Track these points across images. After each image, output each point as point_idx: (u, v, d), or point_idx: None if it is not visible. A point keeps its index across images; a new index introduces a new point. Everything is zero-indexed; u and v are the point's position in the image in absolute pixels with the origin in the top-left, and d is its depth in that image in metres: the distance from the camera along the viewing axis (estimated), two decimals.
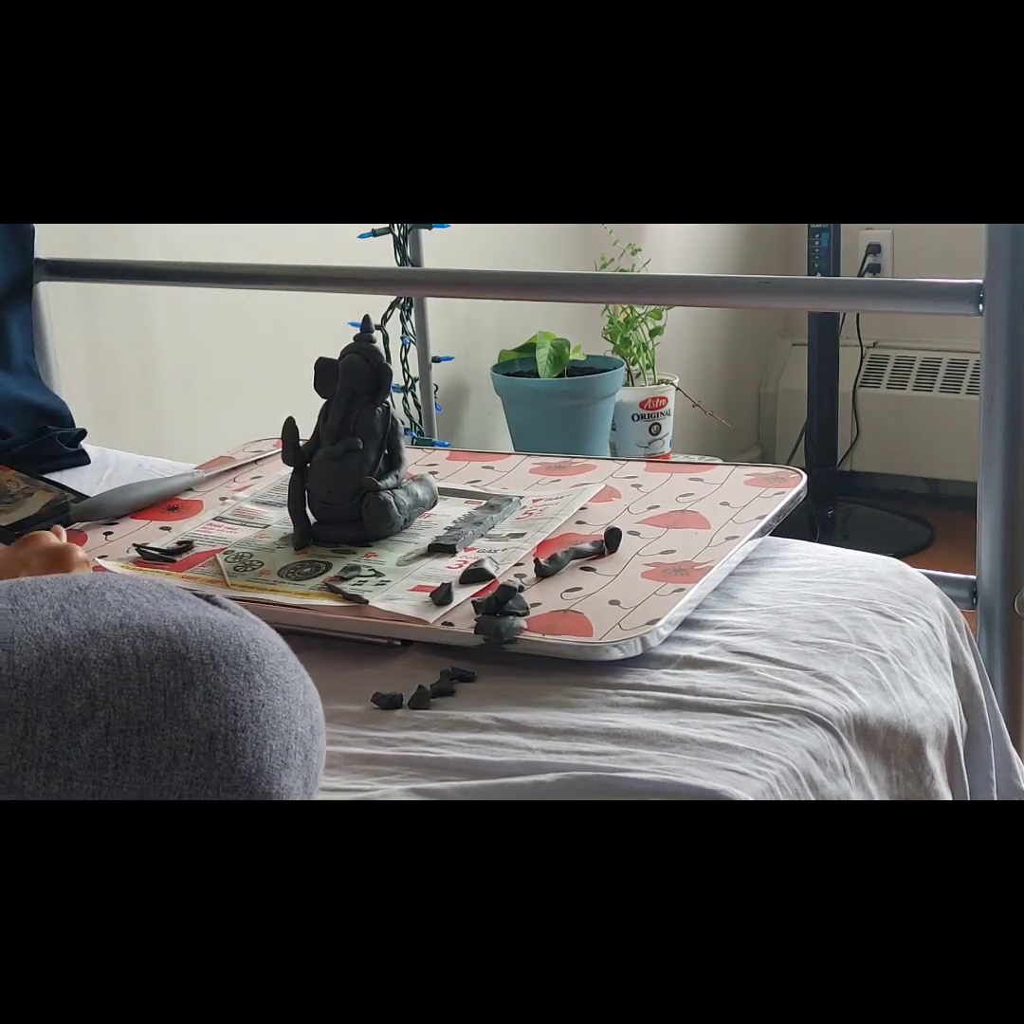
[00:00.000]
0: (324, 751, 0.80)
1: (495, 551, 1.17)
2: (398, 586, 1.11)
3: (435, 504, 1.26)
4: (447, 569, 1.14)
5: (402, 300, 2.36)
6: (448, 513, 1.25)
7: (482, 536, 1.21)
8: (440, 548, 1.17)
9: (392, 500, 1.20)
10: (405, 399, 2.42)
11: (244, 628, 0.77)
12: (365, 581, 1.12)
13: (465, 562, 1.15)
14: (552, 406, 2.66)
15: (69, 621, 0.73)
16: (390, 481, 1.21)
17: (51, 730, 0.70)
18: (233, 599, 1.09)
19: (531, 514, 1.25)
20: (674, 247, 3.10)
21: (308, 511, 1.22)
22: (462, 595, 1.09)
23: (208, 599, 0.80)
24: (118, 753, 0.70)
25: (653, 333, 2.87)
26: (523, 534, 1.20)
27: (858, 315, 3.34)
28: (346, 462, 1.20)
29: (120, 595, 0.76)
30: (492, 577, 1.12)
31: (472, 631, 1.04)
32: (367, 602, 1.08)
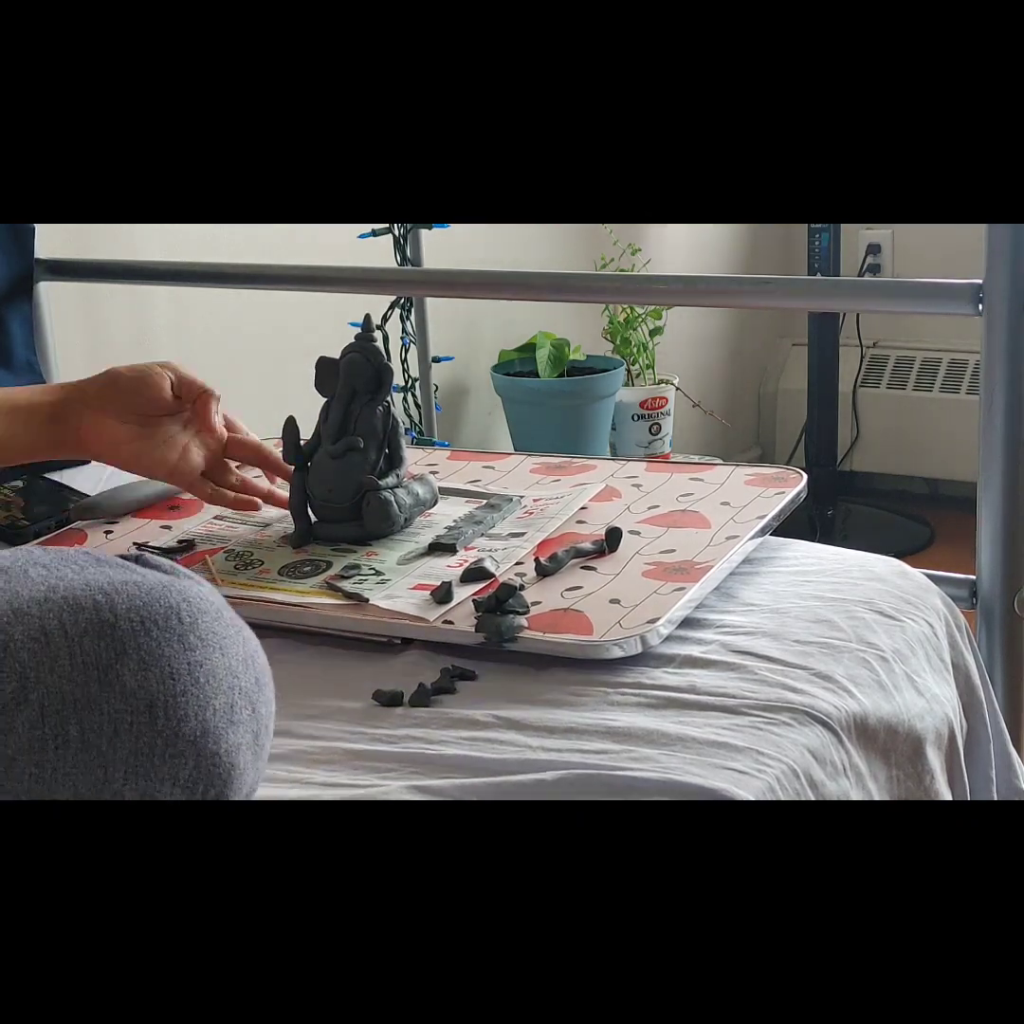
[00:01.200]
0: (273, 701, 0.79)
1: (495, 550, 1.17)
2: (398, 585, 1.11)
3: (436, 503, 1.26)
4: (447, 568, 1.14)
5: (402, 300, 2.36)
6: (448, 512, 1.26)
7: (482, 535, 1.21)
8: (441, 547, 1.18)
9: (393, 499, 1.20)
10: (405, 399, 2.42)
11: (173, 587, 0.74)
12: (365, 580, 1.12)
13: (465, 561, 1.15)
14: (552, 406, 2.66)
15: None
16: (390, 480, 1.21)
17: None
18: (232, 599, 1.10)
19: (532, 513, 1.25)
20: (674, 247, 3.10)
21: (308, 510, 1.23)
22: (462, 594, 1.09)
23: (136, 560, 0.79)
24: (56, 733, 0.69)
25: (653, 333, 2.87)
26: (523, 533, 1.20)
27: (858, 315, 3.34)
28: (346, 461, 1.20)
29: (44, 570, 0.74)
30: (492, 576, 1.12)
31: (473, 629, 1.04)
32: (368, 600, 1.08)
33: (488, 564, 1.13)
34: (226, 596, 1.10)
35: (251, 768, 0.75)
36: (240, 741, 0.74)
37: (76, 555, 0.76)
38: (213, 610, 0.76)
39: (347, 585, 1.11)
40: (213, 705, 0.73)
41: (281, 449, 1.24)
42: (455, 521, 1.23)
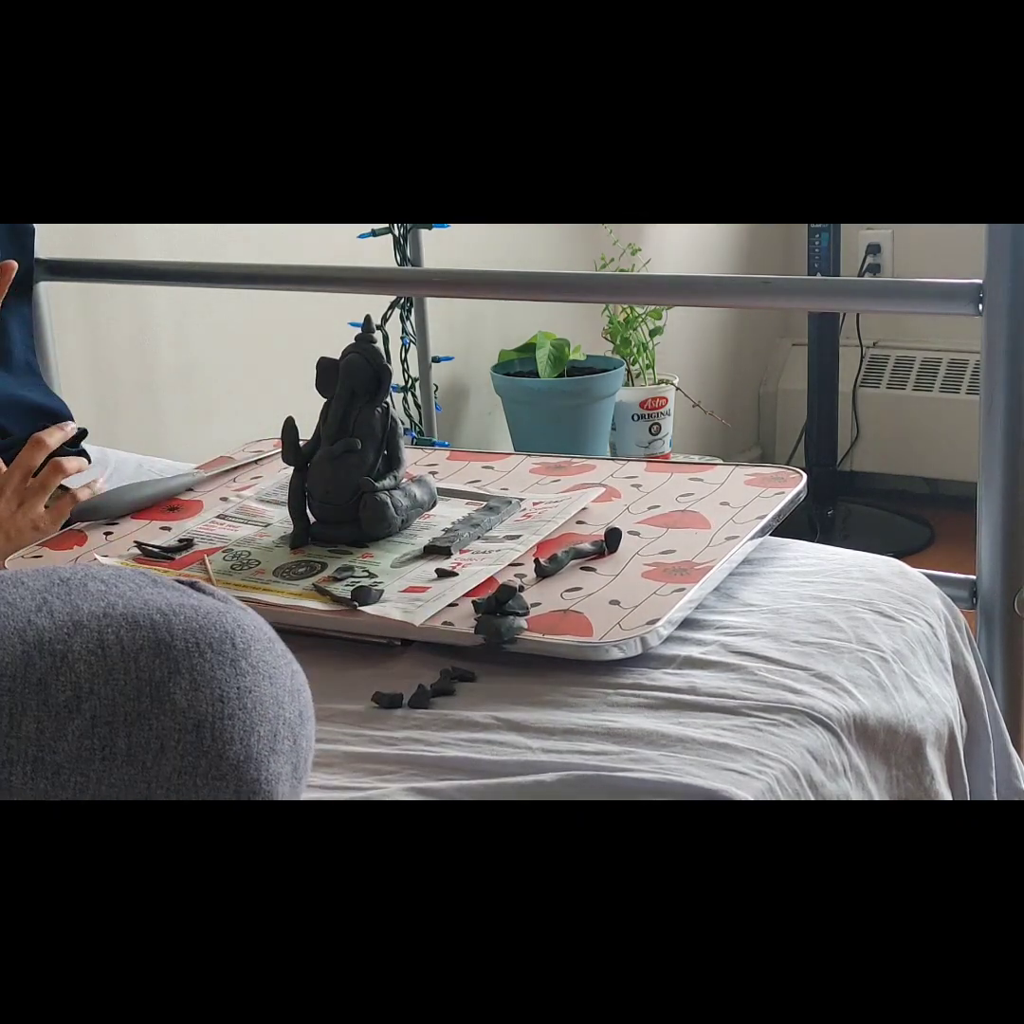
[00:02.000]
0: (313, 735, 0.80)
1: (490, 552, 1.17)
2: (390, 588, 1.11)
3: (434, 505, 1.26)
4: (436, 571, 1.14)
5: (402, 300, 2.36)
6: (447, 514, 1.25)
7: (479, 538, 1.21)
8: (436, 550, 1.17)
9: (389, 501, 1.20)
10: (405, 399, 2.42)
11: (229, 614, 0.76)
12: (357, 583, 1.12)
13: (458, 564, 1.15)
14: (552, 406, 2.66)
15: (52, 613, 0.73)
16: (388, 482, 1.21)
17: (37, 724, 0.70)
18: None
19: (530, 516, 1.25)
20: (674, 247, 3.10)
21: (307, 511, 1.23)
22: (443, 588, 1.10)
23: (192, 586, 0.80)
24: (105, 744, 0.70)
25: (653, 333, 2.87)
26: (519, 536, 1.20)
27: (858, 315, 3.34)
28: (344, 462, 1.20)
29: (103, 585, 0.75)
30: (449, 552, 1.15)
31: (472, 631, 1.04)
32: (355, 606, 1.08)
33: (452, 546, 1.16)
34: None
35: (288, 799, 0.76)
36: (280, 771, 0.75)
37: (133, 574, 0.78)
38: (265, 639, 0.77)
39: (337, 588, 1.11)
40: (258, 732, 0.74)
41: (281, 450, 1.24)
42: (453, 523, 1.23)
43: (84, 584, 0.75)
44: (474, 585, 1.11)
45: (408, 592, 1.11)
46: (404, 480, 1.23)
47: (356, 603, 1.08)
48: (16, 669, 0.70)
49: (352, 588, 1.10)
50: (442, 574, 1.13)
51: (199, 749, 0.71)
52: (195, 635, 0.73)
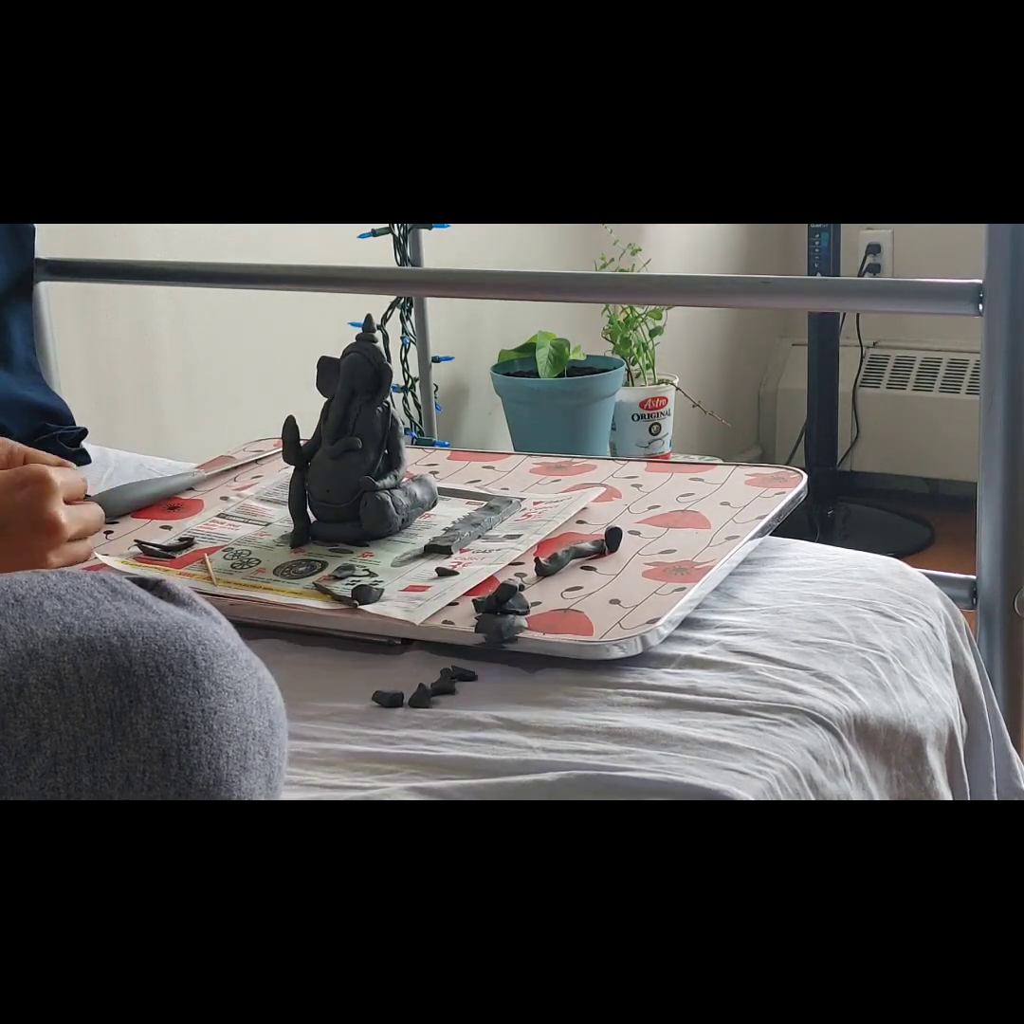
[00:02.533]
0: (286, 741, 0.78)
1: (490, 551, 1.17)
2: (390, 587, 1.11)
3: (434, 505, 1.26)
4: (437, 570, 1.14)
5: (402, 300, 2.36)
6: (448, 514, 1.25)
7: (479, 537, 1.21)
8: (436, 549, 1.18)
9: (389, 500, 1.20)
10: (405, 399, 2.42)
11: (188, 630, 0.73)
12: (357, 582, 1.12)
13: (459, 563, 1.15)
14: (552, 406, 2.66)
15: (6, 642, 0.69)
16: (389, 481, 1.21)
17: None
18: (225, 598, 1.10)
19: (530, 516, 1.25)
20: (674, 247, 3.10)
21: (307, 509, 1.23)
22: (445, 586, 1.10)
23: (156, 585, 0.77)
24: (68, 782, 0.67)
25: (653, 333, 2.87)
26: (519, 535, 1.20)
27: (858, 315, 3.34)
28: (345, 461, 1.20)
29: (59, 603, 0.72)
30: (449, 551, 1.15)
31: (472, 630, 1.04)
32: (356, 605, 1.08)
33: (452, 545, 1.16)
34: (221, 595, 1.10)
35: None
36: (253, 787, 0.73)
37: (92, 585, 0.75)
38: (228, 652, 0.74)
39: (337, 586, 1.11)
40: (226, 753, 0.71)
41: (281, 449, 1.25)
42: (453, 523, 1.23)
43: (40, 603, 0.72)
44: (475, 584, 1.11)
45: (408, 591, 1.11)
46: (405, 479, 1.23)
47: (357, 602, 1.08)
48: None
49: (352, 587, 1.10)
50: (442, 573, 1.13)
51: (166, 779, 0.69)
52: (154, 658, 0.70)
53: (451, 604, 1.08)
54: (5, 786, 0.67)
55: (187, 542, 1.23)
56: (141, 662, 0.70)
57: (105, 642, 0.70)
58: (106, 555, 1.21)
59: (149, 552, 1.21)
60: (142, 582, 0.77)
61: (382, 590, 1.10)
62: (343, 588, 1.11)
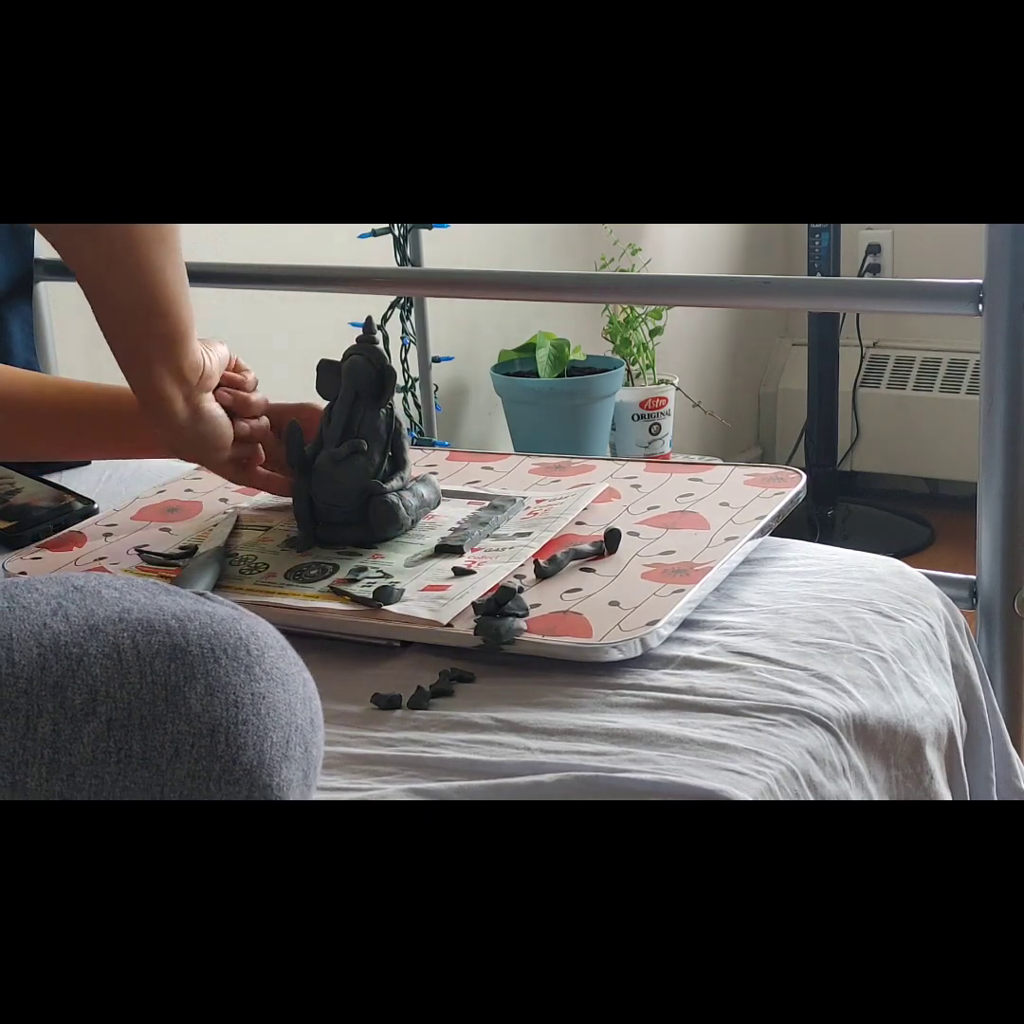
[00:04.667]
0: (323, 744, 0.80)
1: (503, 549, 1.17)
2: (409, 587, 1.11)
3: (439, 504, 1.26)
4: (453, 570, 1.14)
5: (402, 300, 2.36)
6: (451, 514, 1.25)
7: (488, 536, 1.21)
8: (447, 549, 1.17)
9: (400, 502, 1.20)
10: (405, 399, 2.42)
11: (242, 621, 0.77)
12: (374, 583, 1.12)
13: (473, 562, 1.15)
14: (552, 406, 2.66)
15: (68, 617, 0.73)
16: (395, 483, 1.21)
17: (53, 726, 0.70)
18: (239, 603, 1.10)
19: (535, 514, 1.25)
20: (674, 247, 3.10)
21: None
22: (461, 588, 1.10)
23: (201, 596, 0.81)
24: (120, 747, 0.71)
25: (653, 333, 2.87)
26: (529, 533, 1.20)
27: (858, 315, 3.34)
28: (351, 464, 1.20)
29: (117, 592, 0.76)
30: (461, 550, 1.16)
31: (471, 632, 1.04)
32: (381, 605, 1.08)
33: (467, 544, 1.16)
34: (234, 601, 1.10)
35: None
36: (292, 777, 0.75)
37: (145, 583, 0.79)
38: (278, 646, 0.78)
39: (355, 589, 1.11)
40: (271, 738, 0.74)
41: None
42: (459, 522, 1.23)
43: (98, 591, 0.76)
44: (495, 582, 1.10)
45: (428, 590, 1.11)
46: (409, 480, 1.23)
47: (379, 603, 1.08)
48: (32, 672, 0.70)
49: (372, 588, 1.10)
50: (459, 572, 1.13)
51: (213, 754, 0.72)
52: (210, 641, 0.74)
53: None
54: (60, 744, 0.70)
55: (189, 550, 1.22)
56: (197, 643, 0.73)
57: (164, 623, 0.74)
58: (103, 558, 1.21)
59: (151, 561, 1.20)
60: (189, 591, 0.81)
61: (402, 590, 1.10)
62: (361, 589, 1.10)
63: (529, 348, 2.71)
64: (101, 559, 1.21)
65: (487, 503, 1.28)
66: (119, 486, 1.47)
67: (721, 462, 1.41)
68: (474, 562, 1.15)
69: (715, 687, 0.98)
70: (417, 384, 2.41)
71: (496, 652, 1.03)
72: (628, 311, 2.83)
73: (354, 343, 1.24)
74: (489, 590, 1.09)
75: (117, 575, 0.80)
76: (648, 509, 1.25)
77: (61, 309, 1.87)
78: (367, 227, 2.30)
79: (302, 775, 0.76)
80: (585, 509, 1.25)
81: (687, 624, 1.07)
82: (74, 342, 1.93)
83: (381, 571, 1.14)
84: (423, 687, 1.00)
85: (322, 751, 0.80)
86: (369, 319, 1.26)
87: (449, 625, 1.05)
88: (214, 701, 0.72)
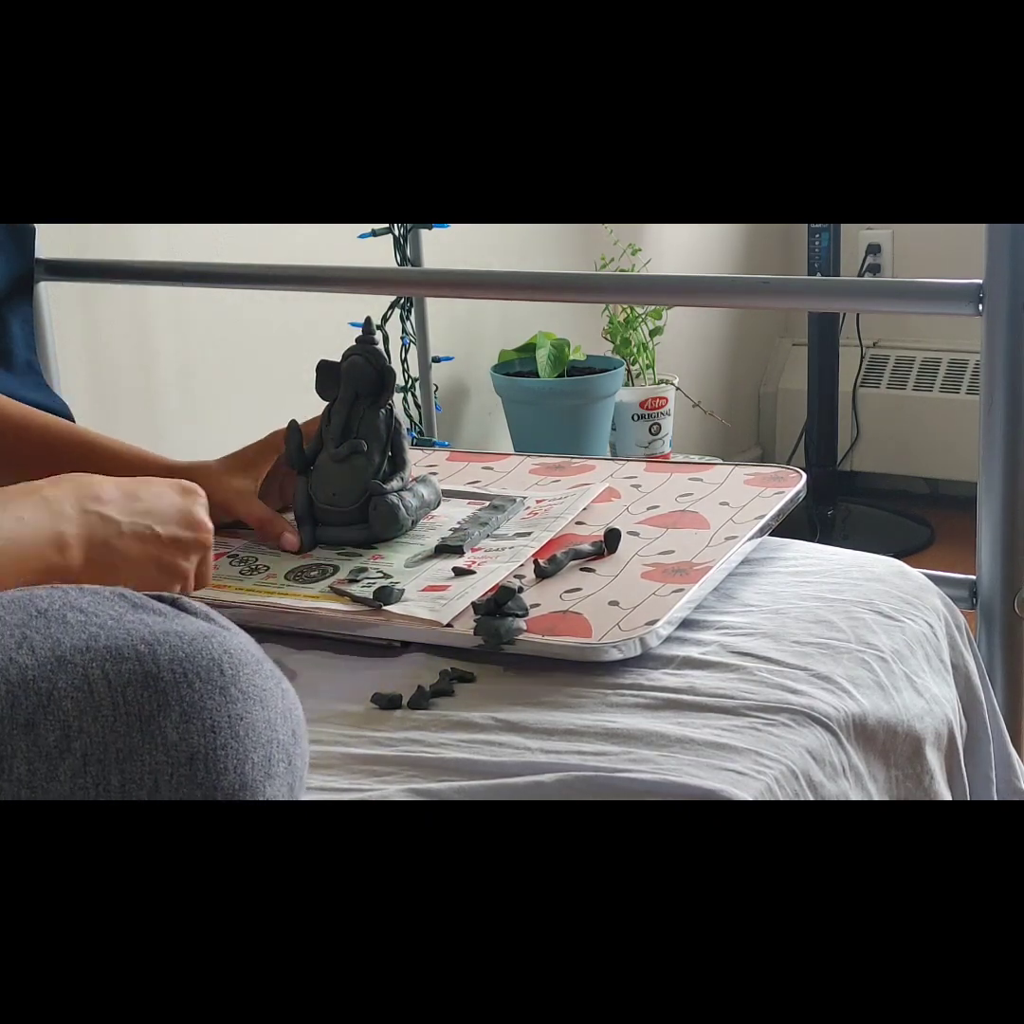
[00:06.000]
0: (307, 752, 0.79)
1: (503, 549, 1.17)
2: (409, 588, 1.11)
3: (439, 504, 1.26)
4: (453, 570, 1.14)
5: (402, 300, 2.36)
6: (451, 514, 1.25)
7: (488, 536, 1.21)
8: (447, 549, 1.17)
9: (400, 503, 1.20)
10: (405, 399, 2.42)
11: (214, 639, 0.74)
12: (375, 583, 1.11)
13: (473, 562, 1.15)
14: (552, 406, 2.66)
15: (33, 649, 0.70)
16: (395, 484, 1.21)
17: (27, 765, 0.68)
18: (240, 605, 1.10)
19: (535, 514, 1.25)
20: (674, 247, 3.10)
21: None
22: (461, 587, 1.09)
23: (173, 603, 0.78)
24: (98, 782, 0.69)
25: (653, 333, 2.87)
26: (529, 533, 1.20)
27: (858, 315, 3.34)
28: (350, 465, 1.20)
29: (82, 615, 0.73)
30: (461, 550, 1.15)
31: (471, 632, 1.04)
32: (381, 605, 1.08)
33: (465, 543, 1.16)
34: (233, 602, 1.10)
35: None
36: (276, 794, 0.74)
37: (112, 599, 0.76)
38: (253, 662, 0.76)
39: (356, 589, 1.11)
40: (252, 759, 0.73)
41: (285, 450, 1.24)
42: (460, 522, 1.23)
43: (63, 615, 0.73)
44: (495, 582, 1.10)
45: (428, 591, 1.11)
46: (409, 480, 1.23)
47: (380, 603, 1.08)
48: (2, 710, 0.68)
49: (372, 588, 1.10)
50: (459, 572, 1.13)
51: (193, 782, 0.70)
52: (182, 665, 0.72)
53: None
54: (36, 784, 0.68)
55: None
56: (169, 668, 0.71)
57: (133, 649, 0.71)
58: None
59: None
60: (159, 598, 0.78)
61: (402, 590, 1.10)
62: (361, 590, 1.10)
63: (529, 348, 2.71)
64: None
65: (487, 503, 1.28)
66: None
67: (721, 462, 1.41)
68: (474, 562, 1.15)
69: (715, 687, 0.98)
70: (417, 384, 2.41)
71: (496, 652, 1.03)
72: (628, 311, 2.83)
73: (354, 343, 1.24)
74: (489, 590, 1.09)
75: (80, 591, 0.77)
76: (648, 509, 1.25)
77: (62, 309, 1.87)
78: (367, 227, 2.30)
79: (288, 789, 0.76)
80: (585, 509, 1.25)
81: (687, 624, 1.07)
82: (74, 342, 1.93)
83: (381, 571, 1.14)
84: (423, 687, 1.00)
85: (307, 760, 0.79)
86: (369, 319, 1.27)
87: (449, 625, 1.05)
88: (190, 728, 0.71)
